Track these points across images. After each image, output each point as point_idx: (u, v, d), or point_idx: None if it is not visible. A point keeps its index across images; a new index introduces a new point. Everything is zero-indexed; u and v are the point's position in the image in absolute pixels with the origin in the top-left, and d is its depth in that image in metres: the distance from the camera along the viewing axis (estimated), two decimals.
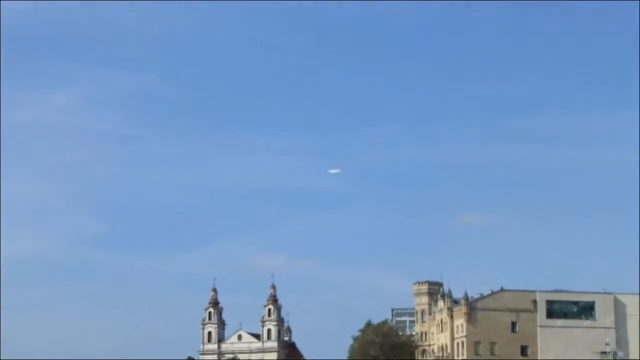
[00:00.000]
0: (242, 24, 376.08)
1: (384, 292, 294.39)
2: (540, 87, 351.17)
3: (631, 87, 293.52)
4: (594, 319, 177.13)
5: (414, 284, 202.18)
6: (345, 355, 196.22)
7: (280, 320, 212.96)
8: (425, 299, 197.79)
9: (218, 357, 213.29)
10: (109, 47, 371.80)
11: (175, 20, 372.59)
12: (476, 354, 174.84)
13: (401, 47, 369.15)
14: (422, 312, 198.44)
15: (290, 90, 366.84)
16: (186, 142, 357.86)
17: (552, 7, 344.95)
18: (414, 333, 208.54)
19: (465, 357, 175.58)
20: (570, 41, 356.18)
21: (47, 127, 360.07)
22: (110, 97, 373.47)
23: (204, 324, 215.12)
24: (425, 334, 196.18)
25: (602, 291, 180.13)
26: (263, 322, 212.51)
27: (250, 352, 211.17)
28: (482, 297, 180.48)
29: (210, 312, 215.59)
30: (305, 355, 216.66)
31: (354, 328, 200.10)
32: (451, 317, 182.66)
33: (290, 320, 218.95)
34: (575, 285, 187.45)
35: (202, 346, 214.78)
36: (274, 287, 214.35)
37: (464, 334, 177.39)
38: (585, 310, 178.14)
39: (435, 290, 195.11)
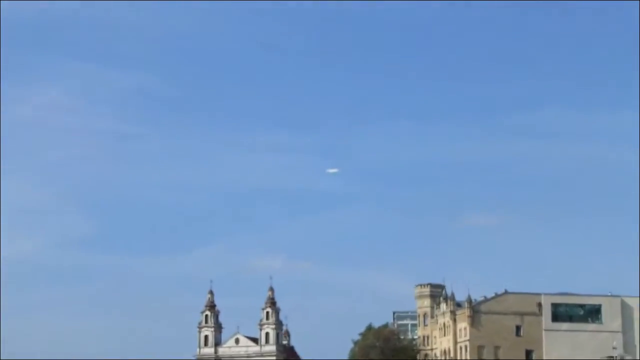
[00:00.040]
0: (242, 23, 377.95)
1: (385, 295, 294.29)
2: (541, 86, 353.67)
3: (632, 87, 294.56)
4: (601, 323, 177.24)
5: (416, 286, 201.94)
6: None
7: (278, 324, 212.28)
8: (427, 302, 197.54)
9: None
10: (105, 44, 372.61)
11: (174, 19, 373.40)
12: (480, 358, 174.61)
13: (401, 46, 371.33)
14: (424, 315, 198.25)
15: (290, 89, 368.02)
16: (184, 140, 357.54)
17: (552, 7, 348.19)
18: (415, 337, 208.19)
19: None
20: (571, 40, 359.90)
21: (41, 124, 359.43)
22: (106, 94, 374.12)
23: (200, 327, 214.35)
24: (428, 337, 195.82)
25: (609, 294, 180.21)
26: (261, 325, 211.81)
27: (248, 356, 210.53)
28: (486, 300, 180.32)
29: (206, 315, 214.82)
30: None
31: (355, 332, 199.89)
32: (454, 320, 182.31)
33: (289, 324, 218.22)
34: (582, 287, 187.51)
35: (198, 350, 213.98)
36: (272, 289, 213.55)
37: (467, 337, 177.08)
38: (592, 313, 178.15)
39: (437, 293, 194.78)
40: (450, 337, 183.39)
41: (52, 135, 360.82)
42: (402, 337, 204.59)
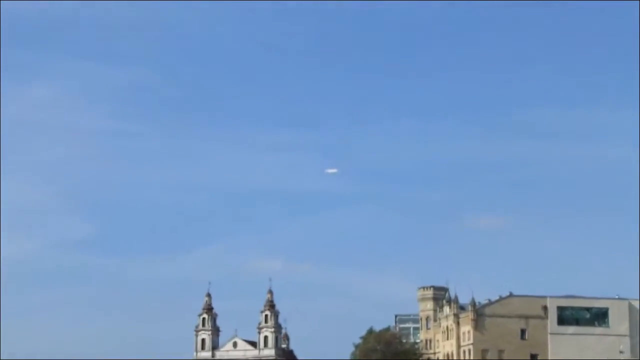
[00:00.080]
0: (242, 23, 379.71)
1: (386, 298, 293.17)
2: (542, 85, 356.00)
3: (633, 86, 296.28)
4: (608, 326, 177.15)
5: (419, 289, 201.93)
6: None
7: (277, 327, 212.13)
8: (430, 305, 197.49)
9: None
10: (104, 43, 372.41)
11: (175, 19, 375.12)
12: None
13: (401, 45, 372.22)
14: (427, 318, 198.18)
15: (290, 88, 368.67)
16: (183, 140, 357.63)
17: (552, 6, 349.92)
18: (418, 340, 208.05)
19: None
20: (571, 39, 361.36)
21: (40, 123, 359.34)
22: (106, 93, 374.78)
23: (197, 331, 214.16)
24: (430, 341, 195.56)
25: (616, 297, 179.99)
26: (259, 328, 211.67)
27: None
28: (490, 303, 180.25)
29: (204, 318, 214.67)
30: None
31: (355, 335, 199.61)
32: (457, 323, 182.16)
33: (288, 327, 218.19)
34: (588, 290, 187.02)
35: (195, 354, 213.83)
36: (271, 292, 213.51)
37: (471, 341, 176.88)
38: (599, 316, 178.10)
39: (440, 296, 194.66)
40: (453, 340, 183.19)
41: (52, 134, 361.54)
42: (404, 340, 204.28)
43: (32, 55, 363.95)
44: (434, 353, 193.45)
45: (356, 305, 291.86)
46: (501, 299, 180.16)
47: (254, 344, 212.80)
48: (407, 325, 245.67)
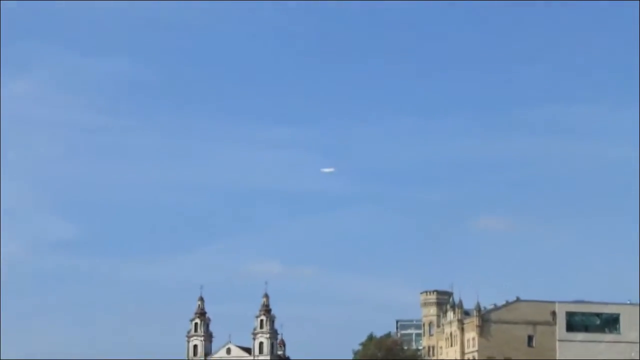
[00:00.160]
0: (241, 21, 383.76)
1: (387, 302, 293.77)
2: (545, 82, 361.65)
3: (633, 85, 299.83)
4: (618, 333, 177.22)
5: (421, 293, 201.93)
6: None
7: (273, 333, 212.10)
8: (433, 310, 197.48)
9: None
10: (93, 33, 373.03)
11: (173, 16, 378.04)
12: None
13: (401, 43, 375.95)
14: (430, 324, 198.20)
15: (289, 85, 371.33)
16: (171, 135, 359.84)
17: (553, 5, 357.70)
18: (420, 347, 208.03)
19: None
20: (571, 38, 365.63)
21: (8, 117, 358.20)
22: (87, 85, 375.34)
23: (189, 336, 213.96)
24: (433, 348, 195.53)
25: (628, 302, 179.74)
26: (254, 334, 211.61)
27: None
28: (496, 308, 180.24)
29: (196, 324, 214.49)
30: None
31: (355, 341, 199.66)
32: (462, 329, 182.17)
33: (284, 333, 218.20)
34: (598, 295, 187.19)
35: None
36: (266, 296, 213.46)
37: (476, 348, 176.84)
38: (609, 322, 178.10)
39: (444, 301, 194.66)
40: (457, 347, 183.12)
41: (34, 130, 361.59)
42: (405, 347, 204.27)
43: (11, 46, 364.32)
44: None
45: (356, 310, 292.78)
46: (508, 304, 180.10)
47: (248, 350, 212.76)
48: (409, 331, 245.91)
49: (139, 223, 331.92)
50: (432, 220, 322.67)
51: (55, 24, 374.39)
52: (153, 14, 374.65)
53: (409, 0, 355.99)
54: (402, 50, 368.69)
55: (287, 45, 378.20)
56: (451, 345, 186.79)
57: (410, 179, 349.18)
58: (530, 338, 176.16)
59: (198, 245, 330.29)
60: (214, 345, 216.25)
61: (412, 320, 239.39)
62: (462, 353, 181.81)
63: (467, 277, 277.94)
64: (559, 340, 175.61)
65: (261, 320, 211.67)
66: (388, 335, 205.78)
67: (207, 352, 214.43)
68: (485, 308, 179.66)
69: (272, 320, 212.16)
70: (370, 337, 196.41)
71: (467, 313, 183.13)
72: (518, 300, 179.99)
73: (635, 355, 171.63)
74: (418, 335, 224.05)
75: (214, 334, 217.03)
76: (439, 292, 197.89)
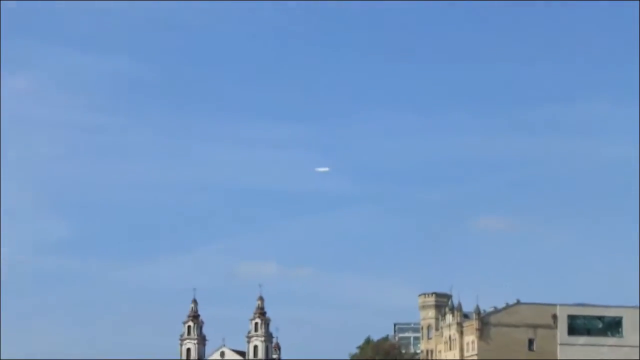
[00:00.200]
0: (241, 20, 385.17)
1: (385, 305, 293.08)
2: (545, 81, 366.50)
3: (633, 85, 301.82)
4: (621, 336, 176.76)
5: (420, 295, 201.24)
6: None
7: (268, 336, 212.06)
8: (431, 313, 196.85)
9: None
10: (91, 31, 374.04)
11: (173, 16, 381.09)
12: None
13: (401, 42, 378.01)
14: (428, 327, 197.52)
15: (289, 85, 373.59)
16: (171, 135, 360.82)
17: (554, 5, 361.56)
18: (418, 351, 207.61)
19: None
20: (571, 38, 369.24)
21: (6, 116, 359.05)
22: (80, 81, 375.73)
23: (182, 340, 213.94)
24: (432, 352, 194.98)
25: (631, 305, 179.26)
26: (249, 337, 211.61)
27: None
28: (496, 311, 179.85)
29: (189, 327, 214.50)
30: None
31: (352, 345, 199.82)
32: (461, 333, 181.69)
33: (279, 336, 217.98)
34: (601, 298, 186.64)
35: None
36: (261, 298, 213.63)
37: (475, 352, 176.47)
38: (612, 326, 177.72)
39: (443, 303, 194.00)
40: (456, 351, 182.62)
41: (29, 129, 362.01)
42: (403, 351, 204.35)
43: (10, 45, 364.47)
44: None
45: (353, 312, 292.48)
46: (508, 306, 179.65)
47: (242, 354, 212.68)
48: (406, 334, 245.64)
49: (138, 223, 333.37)
50: (432, 220, 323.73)
51: (54, 23, 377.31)
52: (153, 13, 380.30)
53: (409, 0, 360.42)
54: (402, 50, 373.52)
55: (287, 45, 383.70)
56: (450, 349, 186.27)
57: (410, 179, 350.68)
58: (530, 341, 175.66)
59: (193, 246, 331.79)
60: (208, 348, 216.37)
61: (410, 323, 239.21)
62: (462, 357, 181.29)
63: (466, 279, 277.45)
64: (560, 344, 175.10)
65: (256, 323, 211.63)
66: (386, 338, 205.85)
67: (201, 356, 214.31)
68: (484, 311, 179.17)
69: (267, 323, 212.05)
70: (368, 341, 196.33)
71: (466, 316, 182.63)
72: (518, 302, 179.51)
73: (638, 358, 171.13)
74: (416, 338, 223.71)
75: (207, 337, 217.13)
76: (437, 295, 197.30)
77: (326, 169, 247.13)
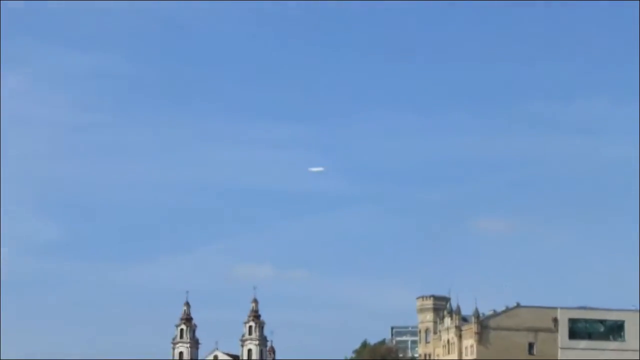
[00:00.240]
0: (241, 19, 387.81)
1: (382, 308, 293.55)
2: (545, 80, 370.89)
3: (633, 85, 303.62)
4: (623, 340, 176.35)
5: (418, 298, 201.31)
6: None
7: (262, 339, 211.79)
8: (430, 316, 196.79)
9: None
10: (84, 27, 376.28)
11: (173, 15, 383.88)
12: None
13: (401, 42, 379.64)
14: (426, 330, 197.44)
15: (289, 85, 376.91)
16: (170, 134, 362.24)
17: (554, 5, 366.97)
18: (416, 355, 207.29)
19: None
20: (571, 38, 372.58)
21: (4, 115, 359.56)
22: (79, 81, 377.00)
23: (174, 343, 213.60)
24: (430, 355, 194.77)
25: (633, 308, 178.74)
26: (243, 341, 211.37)
27: None
28: (495, 314, 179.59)
29: (182, 330, 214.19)
30: None
31: (348, 349, 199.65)
32: (459, 336, 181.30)
33: (274, 339, 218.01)
34: (602, 301, 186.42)
35: None
36: (256, 301, 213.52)
37: (474, 356, 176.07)
38: (614, 330, 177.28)
39: (441, 306, 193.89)
40: (455, 355, 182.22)
41: (30, 128, 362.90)
42: (401, 355, 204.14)
43: (10, 44, 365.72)
44: None
45: (349, 315, 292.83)
46: (507, 309, 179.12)
47: (236, 357, 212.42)
48: (404, 338, 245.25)
49: (138, 223, 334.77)
50: (432, 221, 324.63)
51: (54, 23, 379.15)
52: (152, 13, 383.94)
53: (409, 0, 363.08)
54: (402, 50, 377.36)
55: (287, 45, 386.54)
56: (448, 353, 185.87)
57: (410, 179, 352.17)
58: (531, 345, 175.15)
59: (188, 247, 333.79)
60: (201, 352, 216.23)
61: (407, 327, 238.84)
62: None
63: (465, 281, 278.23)
64: (561, 348, 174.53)
65: (250, 327, 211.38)
66: (383, 342, 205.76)
67: (193, 359, 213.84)
68: (484, 314, 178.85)
69: (261, 326, 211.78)
70: (364, 344, 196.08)
71: (465, 319, 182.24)
72: (518, 306, 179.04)
73: None
74: (414, 342, 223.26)
75: (200, 341, 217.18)
76: (435, 298, 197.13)
77: (320, 168, 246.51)
